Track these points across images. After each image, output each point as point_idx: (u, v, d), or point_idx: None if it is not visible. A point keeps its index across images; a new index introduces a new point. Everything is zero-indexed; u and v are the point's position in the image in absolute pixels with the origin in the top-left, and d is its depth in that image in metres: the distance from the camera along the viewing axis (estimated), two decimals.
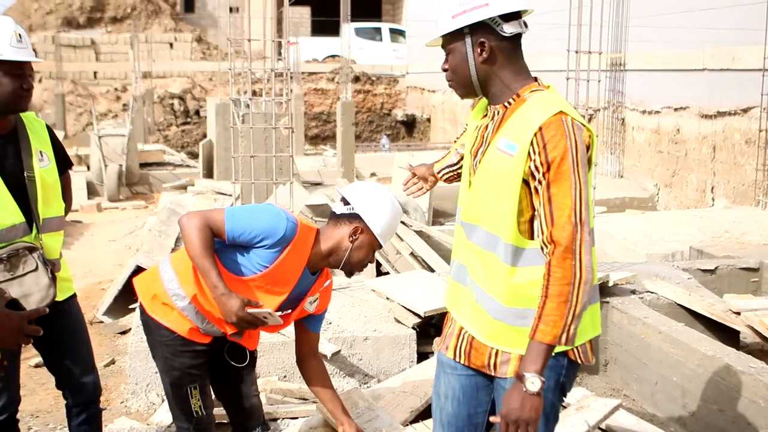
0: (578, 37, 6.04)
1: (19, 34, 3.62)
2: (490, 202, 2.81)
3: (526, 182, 2.71)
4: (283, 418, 4.69)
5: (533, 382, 2.57)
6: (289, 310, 3.53)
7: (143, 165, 16.56)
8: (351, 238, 3.49)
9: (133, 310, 6.63)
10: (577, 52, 6.07)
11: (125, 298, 7.36)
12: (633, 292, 5.87)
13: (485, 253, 2.84)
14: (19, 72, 3.60)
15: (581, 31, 6.01)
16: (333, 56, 28.53)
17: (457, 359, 2.97)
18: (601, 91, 6.06)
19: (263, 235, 3.36)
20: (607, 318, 5.61)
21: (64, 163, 4.00)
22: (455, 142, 3.55)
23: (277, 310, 3.42)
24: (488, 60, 2.82)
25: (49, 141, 3.89)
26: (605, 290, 5.73)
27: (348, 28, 16.45)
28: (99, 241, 11.45)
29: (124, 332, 7.06)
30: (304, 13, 37.49)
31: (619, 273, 6.02)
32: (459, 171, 3.42)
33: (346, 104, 14.84)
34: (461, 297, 2.98)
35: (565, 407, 4.95)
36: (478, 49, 2.80)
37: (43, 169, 3.74)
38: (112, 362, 6.39)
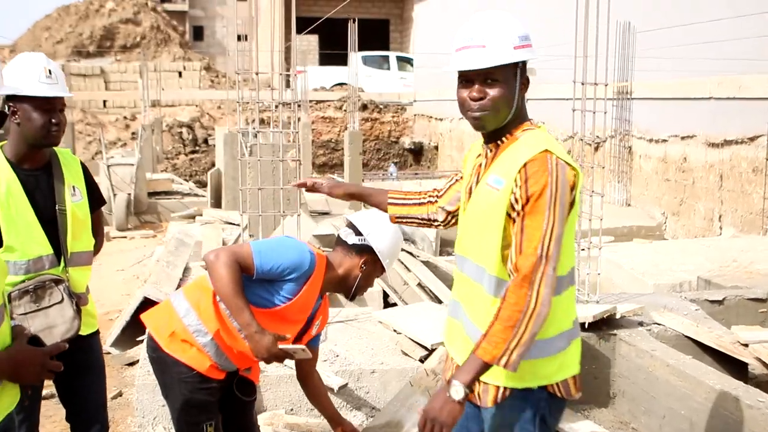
0: (584, 69, 6.06)
1: (49, 70, 3.68)
2: (478, 235, 2.92)
3: (509, 215, 2.81)
4: None
5: (457, 391, 2.72)
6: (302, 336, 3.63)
7: (152, 194, 16.59)
8: (361, 268, 3.62)
9: (141, 342, 6.63)
10: (583, 83, 6.09)
11: (133, 329, 7.36)
12: (641, 324, 5.85)
13: (474, 284, 2.96)
14: (49, 107, 3.67)
15: (587, 63, 6.03)
16: (341, 84, 28.64)
17: None
18: (607, 120, 6.08)
19: (291, 268, 3.45)
20: (614, 350, 5.60)
21: (96, 201, 4.07)
22: (436, 199, 3.45)
23: (295, 338, 3.51)
24: (522, 98, 2.91)
25: (82, 177, 3.97)
26: (613, 322, 5.71)
27: (356, 56, 16.54)
28: (107, 271, 11.45)
29: (131, 363, 7.06)
30: (312, 41, 37.75)
31: (626, 305, 6.00)
32: (433, 224, 3.44)
33: (354, 133, 14.90)
34: (455, 332, 3.09)
35: None
36: (523, 86, 2.89)
37: (74, 203, 3.82)
38: (120, 394, 6.39)
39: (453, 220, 3.35)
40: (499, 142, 2.93)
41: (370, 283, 3.71)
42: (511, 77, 2.85)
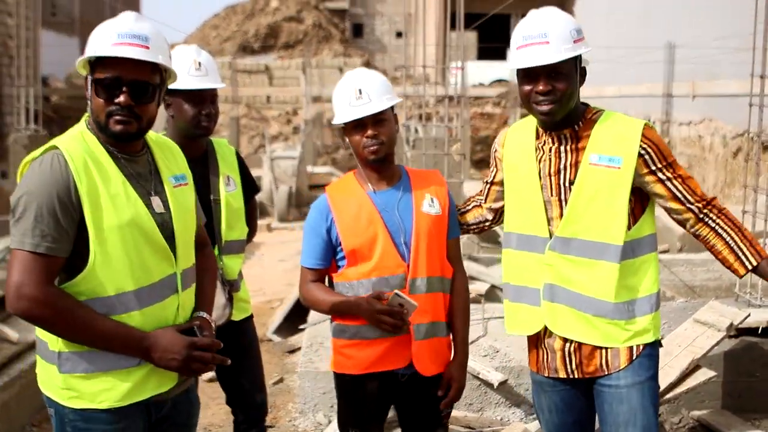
0: (764, 62, 5.78)
1: (199, 62, 3.75)
2: (597, 214, 3.04)
3: (641, 179, 3.04)
4: None
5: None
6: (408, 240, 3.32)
7: (312, 187, 16.93)
8: (345, 143, 3.43)
9: (302, 330, 6.77)
10: (762, 77, 5.81)
11: (294, 317, 7.53)
12: None
13: (586, 262, 3.07)
14: (198, 99, 3.73)
15: (767, 55, 5.75)
16: (499, 81, 28.46)
17: (570, 376, 3.15)
18: None
19: (319, 230, 3.34)
20: None
21: (251, 190, 4.13)
22: (482, 202, 3.55)
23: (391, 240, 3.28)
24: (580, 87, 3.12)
25: (237, 167, 4.02)
26: None
27: None
28: (269, 261, 11.77)
29: (292, 351, 7.21)
30: (471, 37, 37.68)
31: None
32: (486, 226, 3.56)
33: None
34: (559, 314, 3.13)
35: None
36: (581, 77, 3.10)
37: (229, 193, 3.88)
38: (281, 380, 6.53)
39: (500, 218, 3.47)
40: (575, 126, 3.09)
41: (355, 143, 3.31)
42: (572, 70, 3.02)
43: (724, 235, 3.05)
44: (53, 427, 2.76)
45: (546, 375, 3.22)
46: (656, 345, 3.14)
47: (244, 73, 29.64)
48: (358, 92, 3.26)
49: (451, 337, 3.48)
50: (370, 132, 3.23)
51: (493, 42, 30.23)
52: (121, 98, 2.57)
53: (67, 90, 30.15)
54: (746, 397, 5.22)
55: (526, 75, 3.03)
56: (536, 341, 3.25)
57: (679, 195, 3.05)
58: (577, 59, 3.04)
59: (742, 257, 3.05)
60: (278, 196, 15.05)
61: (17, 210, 2.50)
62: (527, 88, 3.03)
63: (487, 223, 3.54)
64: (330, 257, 3.38)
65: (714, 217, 3.06)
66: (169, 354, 2.61)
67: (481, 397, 5.27)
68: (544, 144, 3.15)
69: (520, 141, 3.24)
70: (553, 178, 3.11)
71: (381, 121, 3.25)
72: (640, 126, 3.03)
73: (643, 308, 3.07)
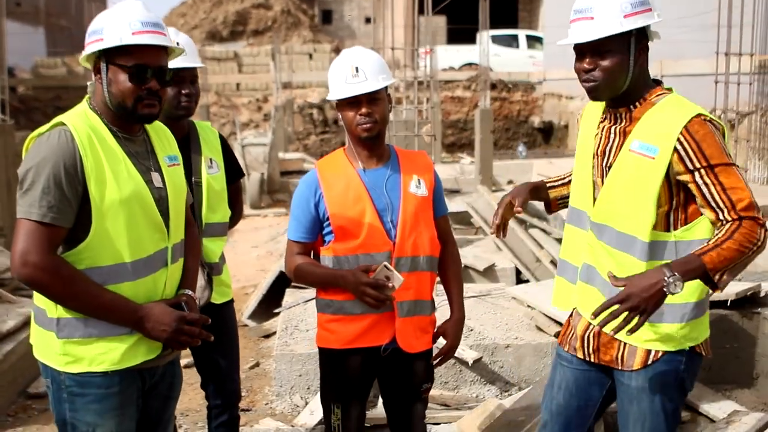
0: (728, 39, 5.84)
1: (177, 43, 3.63)
2: (626, 203, 2.91)
3: (668, 180, 2.84)
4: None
5: (676, 285, 2.66)
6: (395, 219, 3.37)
7: (284, 173, 16.92)
8: (340, 121, 3.45)
9: (277, 314, 6.79)
10: (726, 54, 5.88)
11: (268, 302, 7.55)
12: None
13: (617, 253, 2.96)
14: (178, 79, 3.71)
15: (731, 33, 5.82)
16: (469, 64, 28.47)
17: (586, 358, 3.09)
18: (751, 94, 5.86)
19: (307, 204, 3.39)
20: (758, 329, 5.41)
21: (234, 173, 4.13)
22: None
23: (379, 219, 3.32)
24: (642, 63, 2.91)
25: (220, 150, 4.02)
26: (757, 300, 5.52)
27: (485, 35, 16.39)
28: (242, 248, 11.76)
29: (267, 336, 7.24)
30: (440, 21, 37.65)
31: None
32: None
33: (485, 112, 14.80)
34: (590, 297, 3.06)
35: (703, 415, 4.80)
36: (640, 53, 2.89)
37: (210, 176, 3.88)
38: (257, 365, 6.55)
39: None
40: (631, 107, 2.95)
41: (349, 120, 3.35)
42: (623, 46, 2.85)
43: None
44: (49, 396, 2.89)
45: (566, 349, 3.21)
46: (683, 354, 2.96)
47: (213, 60, 29.44)
48: (354, 70, 3.30)
49: (435, 315, 3.55)
50: (364, 110, 3.29)
51: (463, 25, 30.21)
52: (152, 83, 2.78)
53: (34, 80, 29.86)
54: (717, 368, 5.31)
55: (577, 51, 2.94)
56: (571, 314, 3.25)
57: (714, 205, 2.80)
58: (633, 33, 2.85)
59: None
60: (250, 183, 15.02)
61: (25, 182, 2.65)
62: (577, 64, 2.95)
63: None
64: (317, 232, 3.42)
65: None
66: (161, 325, 2.78)
67: (456, 375, 5.32)
68: (604, 120, 3.06)
69: (591, 115, 3.17)
70: (598, 158, 3.05)
71: (375, 99, 3.31)
72: (686, 117, 2.81)
73: (674, 315, 2.92)
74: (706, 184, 2.79)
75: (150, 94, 2.79)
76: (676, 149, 2.79)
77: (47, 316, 2.79)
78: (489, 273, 7.64)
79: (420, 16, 10.68)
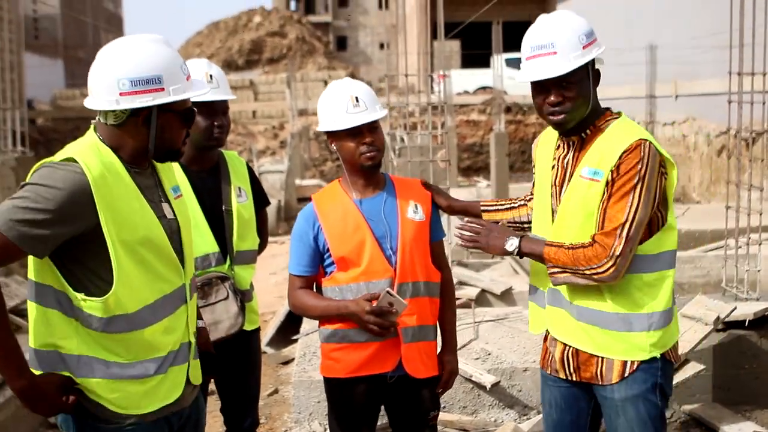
0: (740, 58, 5.86)
1: (210, 75, 3.81)
2: (579, 227, 3.03)
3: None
4: None
5: (512, 244, 3.12)
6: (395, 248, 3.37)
7: (300, 200, 16.99)
8: (333, 152, 3.47)
9: (295, 341, 6.80)
10: (739, 74, 5.89)
11: (286, 329, 7.57)
12: None
13: None
14: (211, 111, 3.77)
15: (743, 52, 5.83)
16: (483, 88, 28.55)
17: (568, 378, 3.21)
18: (764, 113, 5.87)
19: (306, 238, 3.40)
20: None
21: (261, 201, 4.18)
22: (528, 202, 3.54)
23: (379, 247, 3.34)
24: (595, 90, 3.04)
25: (248, 178, 4.08)
26: None
27: (499, 59, 16.45)
28: (260, 275, 11.74)
29: (286, 362, 7.25)
30: (454, 46, 37.82)
31: None
32: (524, 226, 3.54)
33: (500, 135, 14.85)
34: (560, 319, 3.18)
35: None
36: (595, 80, 3.02)
37: (240, 204, 3.92)
38: (276, 392, 6.57)
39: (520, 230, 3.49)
40: (583, 134, 3.06)
41: (351, 149, 3.36)
42: (584, 76, 2.96)
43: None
44: None
45: (549, 372, 3.30)
46: (656, 361, 3.07)
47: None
48: (354, 100, 3.32)
49: (437, 341, 3.55)
50: (368, 139, 3.30)
51: (477, 49, 30.33)
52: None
53: (53, 111, 30.18)
54: (736, 389, 5.28)
55: (537, 86, 3.00)
56: (546, 338, 3.32)
57: (596, 216, 2.97)
58: (589, 63, 2.97)
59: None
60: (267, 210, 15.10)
61: (18, 193, 2.47)
62: (539, 99, 3.02)
63: (527, 224, 3.53)
64: (317, 264, 3.43)
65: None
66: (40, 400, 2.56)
67: (474, 400, 5.31)
68: (558, 149, 3.17)
69: (545, 145, 3.27)
70: (556, 188, 3.14)
71: (375, 128, 3.34)
72: (628, 141, 2.92)
73: (641, 324, 3.03)
74: (604, 197, 2.94)
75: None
76: (611, 171, 2.91)
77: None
78: (506, 296, 7.63)
79: (434, 41, 10.75)
